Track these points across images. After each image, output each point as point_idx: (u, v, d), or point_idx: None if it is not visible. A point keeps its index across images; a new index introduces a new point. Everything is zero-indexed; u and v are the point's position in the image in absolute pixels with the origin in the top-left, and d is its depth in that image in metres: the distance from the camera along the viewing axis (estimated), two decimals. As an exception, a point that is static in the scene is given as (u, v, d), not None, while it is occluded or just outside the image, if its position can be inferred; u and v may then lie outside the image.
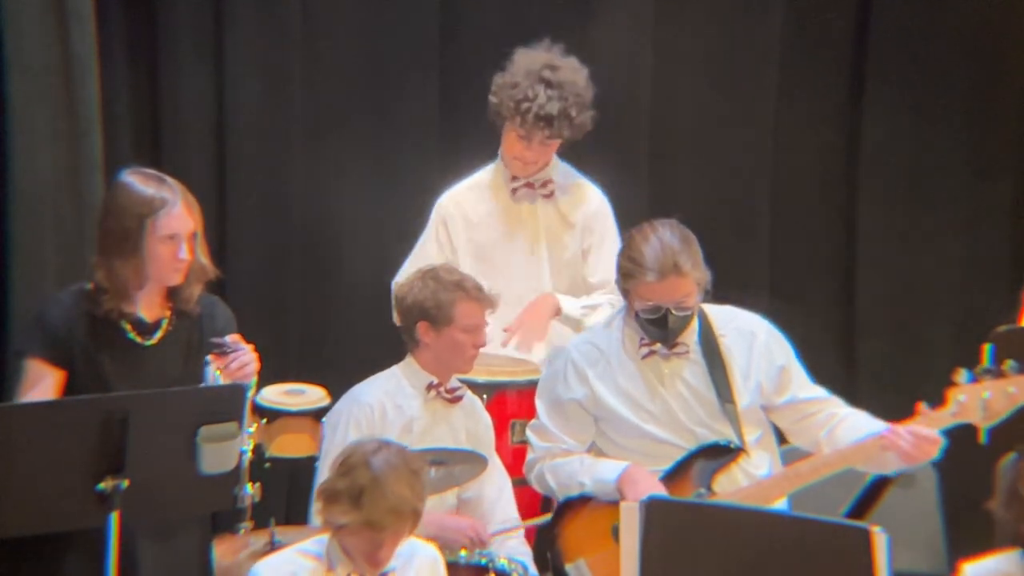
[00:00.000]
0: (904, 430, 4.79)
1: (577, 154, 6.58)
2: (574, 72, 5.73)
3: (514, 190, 5.85)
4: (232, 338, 4.72)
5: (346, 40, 6.59)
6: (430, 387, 5.35)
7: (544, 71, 5.70)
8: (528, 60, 5.73)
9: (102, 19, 5.91)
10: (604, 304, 5.72)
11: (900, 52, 6.88)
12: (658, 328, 4.95)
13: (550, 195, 5.86)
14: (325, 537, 4.45)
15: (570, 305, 5.75)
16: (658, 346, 5.01)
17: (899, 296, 6.98)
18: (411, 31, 6.56)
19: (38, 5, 5.70)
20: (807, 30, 6.87)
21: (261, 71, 6.49)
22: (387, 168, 6.59)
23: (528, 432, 5.22)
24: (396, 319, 5.46)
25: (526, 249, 5.87)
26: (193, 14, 6.41)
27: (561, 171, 5.91)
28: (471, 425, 5.41)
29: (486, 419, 5.47)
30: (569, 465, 5.07)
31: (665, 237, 4.90)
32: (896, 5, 6.87)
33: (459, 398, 5.40)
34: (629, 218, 6.48)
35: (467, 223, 5.86)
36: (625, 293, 5.00)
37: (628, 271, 4.93)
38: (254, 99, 6.49)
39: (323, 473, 4.83)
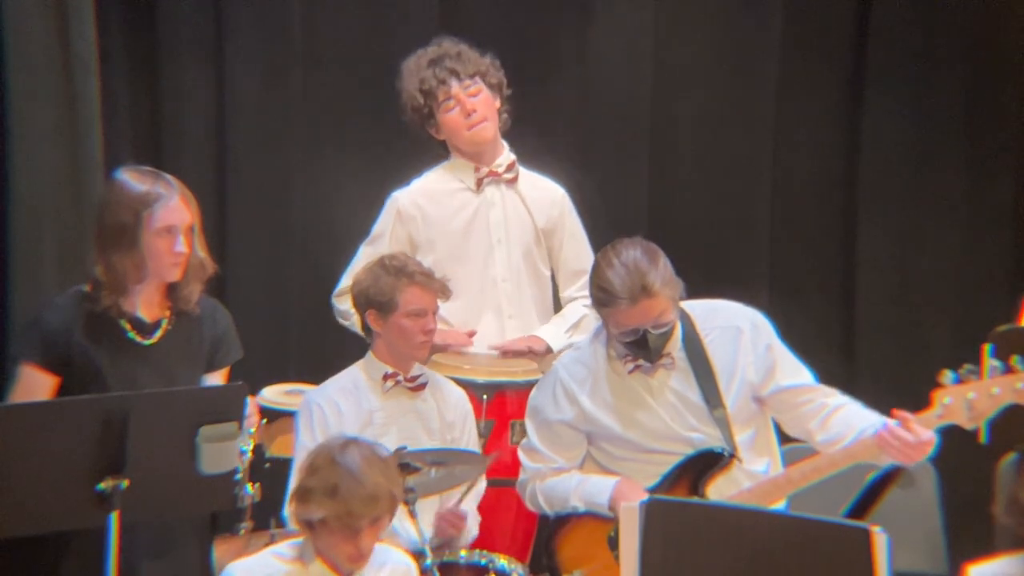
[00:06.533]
0: (898, 433, 4.76)
1: (578, 153, 6.60)
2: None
3: (479, 180, 5.74)
4: None
5: (346, 40, 6.59)
6: (387, 377, 5.32)
7: (424, 54, 5.74)
8: (411, 62, 5.76)
9: (102, 19, 5.91)
10: (584, 314, 5.69)
11: (900, 52, 6.88)
12: (640, 348, 4.90)
13: (514, 179, 5.76)
14: (299, 541, 4.41)
15: (557, 340, 5.69)
16: (643, 361, 4.98)
17: (899, 296, 6.97)
18: (411, 31, 6.55)
19: (38, 4, 5.70)
20: (807, 30, 6.87)
21: (261, 72, 6.49)
22: (387, 168, 6.58)
23: (519, 452, 5.18)
24: None
25: (489, 240, 5.77)
26: (193, 14, 6.41)
27: (519, 167, 5.83)
28: (446, 413, 5.36)
29: (463, 406, 5.41)
30: (561, 486, 5.03)
31: (629, 260, 4.79)
32: (896, 5, 6.87)
33: (421, 386, 5.34)
34: (629, 218, 6.51)
35: (427, 221, 5.72)
36: (602, 319, 4.95)
37: (600, 300, 4.85)
38: (254, 100, 6.50)
39: (294, 477, 4.82)
